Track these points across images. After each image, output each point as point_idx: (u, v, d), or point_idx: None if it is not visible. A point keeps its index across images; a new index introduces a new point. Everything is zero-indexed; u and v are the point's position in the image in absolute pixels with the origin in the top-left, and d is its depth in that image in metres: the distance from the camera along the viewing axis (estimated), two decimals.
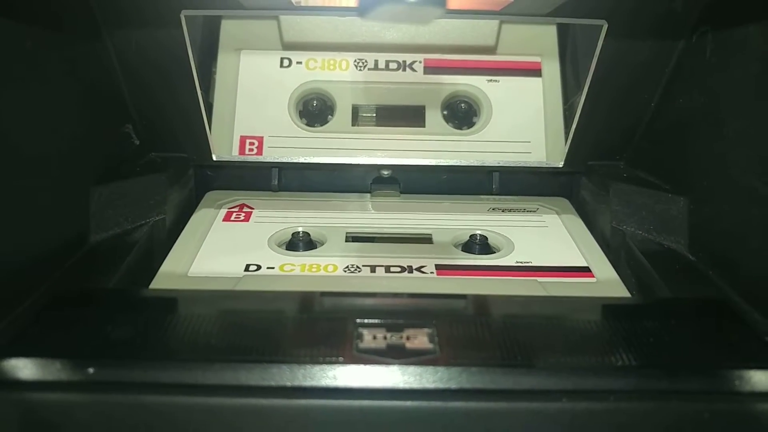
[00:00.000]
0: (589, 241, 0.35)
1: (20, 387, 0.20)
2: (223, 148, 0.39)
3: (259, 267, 0.32)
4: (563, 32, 0.39)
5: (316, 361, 0.21)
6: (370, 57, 0.39)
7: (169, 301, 0.25)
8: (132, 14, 0.35)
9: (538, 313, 0.25)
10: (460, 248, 0.35)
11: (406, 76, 0.39)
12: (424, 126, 0.39)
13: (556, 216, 0.39)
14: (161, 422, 0.20)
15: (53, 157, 0.31)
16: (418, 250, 0.34)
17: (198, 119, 0.37)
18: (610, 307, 0.25)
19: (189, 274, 0.31)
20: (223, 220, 0.37)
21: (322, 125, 0.39)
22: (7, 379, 0.20)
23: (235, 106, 0.39)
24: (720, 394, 0.21)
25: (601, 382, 0.20)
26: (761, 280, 0.28)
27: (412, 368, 0.21)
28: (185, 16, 0.34)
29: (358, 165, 0.39)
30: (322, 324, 0.23)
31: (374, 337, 0.22)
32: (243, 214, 0.38)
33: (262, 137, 0.39)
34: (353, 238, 0.36)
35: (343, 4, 0.37)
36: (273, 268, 0.32)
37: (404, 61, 0.39)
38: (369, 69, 0.39)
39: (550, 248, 0.34)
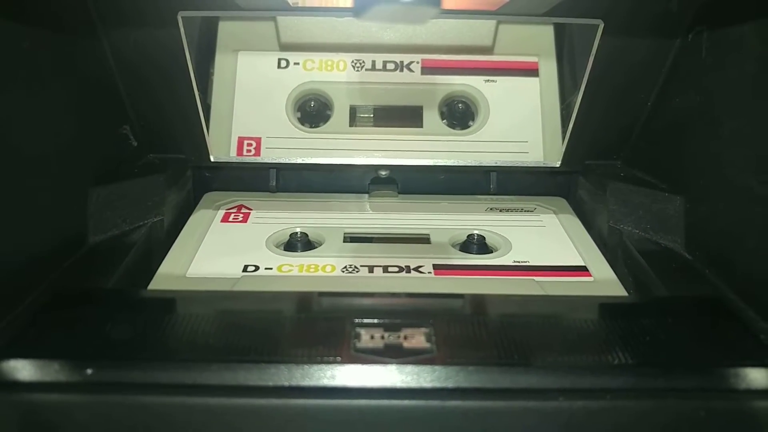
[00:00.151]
0: (587, 241, 0.35)
1: (19, 388, 0.20)
2: (221, 149, 0.39)
3: (257, 268, 0.32)
4: (560, 32, 0.39)
5: (313, 360, 0.21)
6: (367, 57, 0.39)
7: (168, 301, 0.25)
8: (130, 15, 0.35)
9: (536, 312, 0.25)
10: (458, 248, 0.35)
11: (404, 76, 0.39)
12: (421, 126, 0.39)
13: (554, 215, 0.39)
14: (160, 423, 0.20)
15: (52, 158, 0.31)
16: (415, 250, 0.34)
17: (196, 120, 0.37)
18: (607, 306, 0.25)
19: (187, 275, 0.31)
20: (222, 221, 0.37)
21: (319, 126, 0.39)
22: (6, 380, 0.20)
23: (232, 107, 0.39)
24: (716, 392, 0.21)
25: (598, 381, 0.21)
26: (757, 279, 0.28)
27: (409, 368, 0.21)
28: (182, 17, 0.34)
29: (356, 165, 0.39)
30: (319, 324, 0.23)
31: (372, 337, 0.22)
32: (241, 215, 0.38)
33: (259, 138, 0.39)
34: (351, 238, 0.36)
35: (339, 5, 0.37)
36: (271, 268, 0.32)
37: (401, 62, 0.39)
38: (366, 69, 0.39)
39: (548, 248, 0.34)
